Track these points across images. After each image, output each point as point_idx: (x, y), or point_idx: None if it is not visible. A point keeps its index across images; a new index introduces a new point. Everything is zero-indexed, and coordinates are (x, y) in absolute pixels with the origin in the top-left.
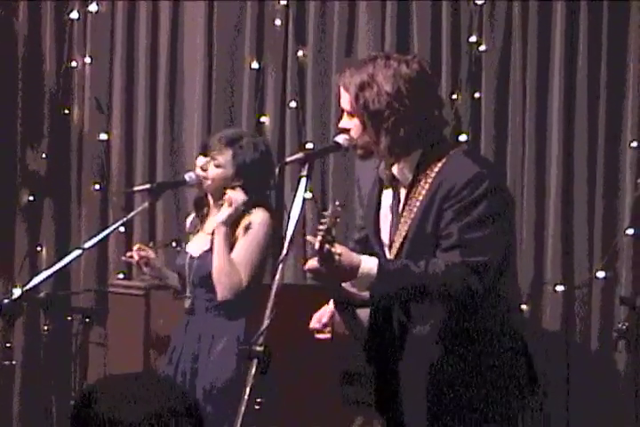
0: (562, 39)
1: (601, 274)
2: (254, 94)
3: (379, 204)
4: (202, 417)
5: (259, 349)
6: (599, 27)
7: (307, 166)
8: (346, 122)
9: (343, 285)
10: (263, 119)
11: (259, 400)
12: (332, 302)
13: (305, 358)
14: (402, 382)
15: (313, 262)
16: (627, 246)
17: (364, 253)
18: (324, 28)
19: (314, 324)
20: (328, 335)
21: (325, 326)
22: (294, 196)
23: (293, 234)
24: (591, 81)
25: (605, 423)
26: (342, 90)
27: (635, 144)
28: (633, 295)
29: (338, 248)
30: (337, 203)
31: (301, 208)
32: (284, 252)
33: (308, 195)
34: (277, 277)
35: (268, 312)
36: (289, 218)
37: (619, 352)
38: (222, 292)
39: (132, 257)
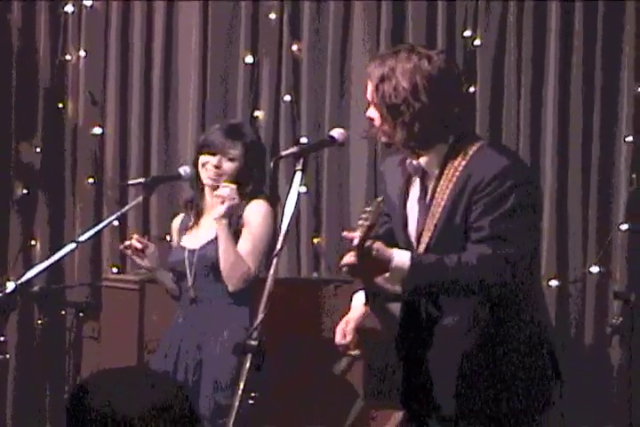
0: (557, 33)
1: (595, 269)
2: (249, 88)
3: (406, 196)
4: (195, 410)
5: (253, 343)
6: (594, 21)
7: (301, 160)
8: (370, 111)
9: (375, 279)
10: (257, 113)
11: (253, 395)
12: (355, 307)
13: (299, 351)
14: (430, 374)
15: (350, 258)
16: (621, 241)
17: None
18: (318, 23)
19: (340, 340)
20: (358, 352)
21: (351, 343)
22: (289, 190)
23: (288, 228)
24: (586, 75)
25: (599, 418)
26: (368, 80)
27: (629, 139)
28: (627, 290)
29: (375, 243)
30: (379, 199)
31: (296, 202)
32: (279, 246)
33: (303, 189)
34: (272, 271)
35: (262, 306)
36: (283, 212)
37: (612, 347)
38: (235, 283)
39: (129, 246)
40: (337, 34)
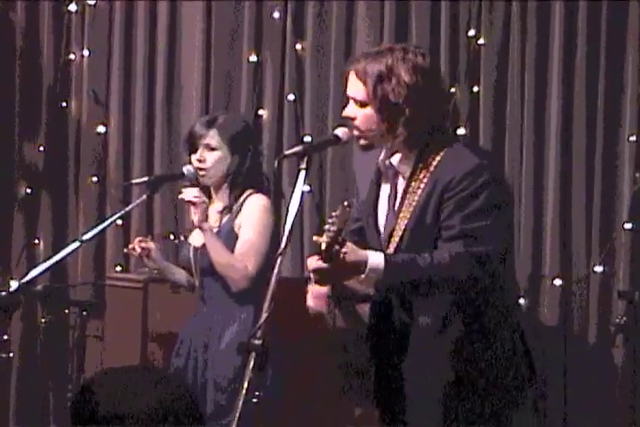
0: (561, 32)
1: (599, 268)
2: (252, 87)
3: (377, 195)
4: (200, 410)
5: (257, 342)
6: (598, 21)
7: (305, 159)
8: (352, 110)
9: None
10: (261, 112)
11: (257, 394)
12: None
13: (303, 351)
14: (401, 374)
15: (316, 263)
16: (625, 241)
17: (357, 245)
18: (322, 21)
19: (312, 289)
20: (324, 307)
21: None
22: (293, 189)
23: (292, 227)
24: (590, 74)
25: (603, 418)
26: (354, 79)
27: (633, 138)
28: (631, 289)
29: (345, 247)
30: (345, 203)
31: (300, 201)
32: (283, 245)
33: (307, 188)
34: (276, 270)
35: (265, 306)
36: (287, 211)
37: (616, 347)
38: (235, 284)
39: (133, 249)
40: (341, 33)
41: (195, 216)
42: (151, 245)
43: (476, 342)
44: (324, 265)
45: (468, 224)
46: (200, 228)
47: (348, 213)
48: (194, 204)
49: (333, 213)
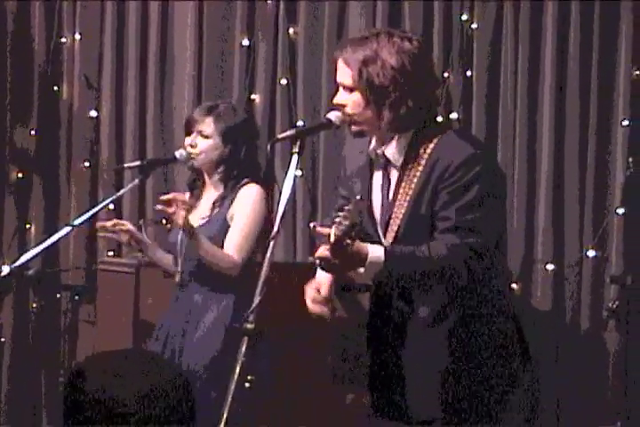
0: (554, 17)
1: (591, 253)
2: (245, 71)
3: (370, 184)
4: (193, 394)
5: (249, 326)
6: (591, 5)
7: (298, 143)
8: (342, 97)
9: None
10: (254, 96)
11: (249, 378)
12: (320, 274)
13: (295, 335)
14: (399, 363)
15: (324, 251)
16: (617, 226)
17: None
18: (315, 6)
19: (315, 309)
20: (325, 309)
21: (326, 299)
22: (285, 173)
23: (284, 212)
24: (583, 59)
25: (594, 402)
26: (342, 65)
27: (626, 123)
28: (623, 274)
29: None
30: (359, 197)
31: (292, 186)
32: (275, 230)
33: (299, 172)
34: (268, 254)
35: (258, 290)
36: (280, 196)
37: (609, 331)
38: (221, 273)
39: (113, 232)
40: (333, 17)
41: (176, 217)
42: (129, 227)
43: (472, 331)
44: (329, 255)
45: (464, 216)
46: (183, 228)
47: (361, 207)
48: (177, 205)
49: (346, 208)
